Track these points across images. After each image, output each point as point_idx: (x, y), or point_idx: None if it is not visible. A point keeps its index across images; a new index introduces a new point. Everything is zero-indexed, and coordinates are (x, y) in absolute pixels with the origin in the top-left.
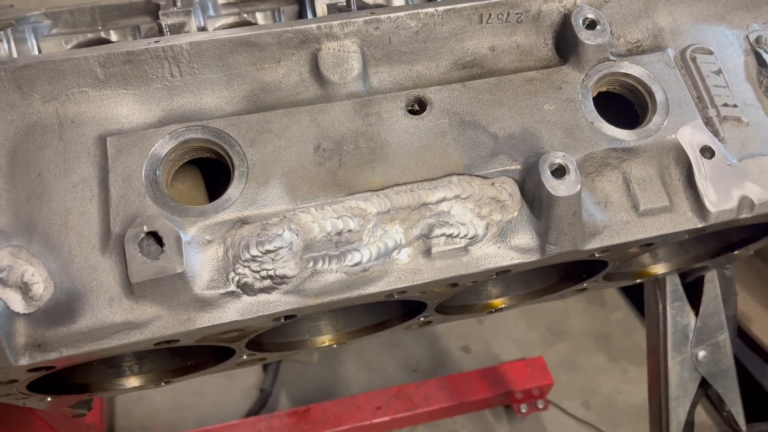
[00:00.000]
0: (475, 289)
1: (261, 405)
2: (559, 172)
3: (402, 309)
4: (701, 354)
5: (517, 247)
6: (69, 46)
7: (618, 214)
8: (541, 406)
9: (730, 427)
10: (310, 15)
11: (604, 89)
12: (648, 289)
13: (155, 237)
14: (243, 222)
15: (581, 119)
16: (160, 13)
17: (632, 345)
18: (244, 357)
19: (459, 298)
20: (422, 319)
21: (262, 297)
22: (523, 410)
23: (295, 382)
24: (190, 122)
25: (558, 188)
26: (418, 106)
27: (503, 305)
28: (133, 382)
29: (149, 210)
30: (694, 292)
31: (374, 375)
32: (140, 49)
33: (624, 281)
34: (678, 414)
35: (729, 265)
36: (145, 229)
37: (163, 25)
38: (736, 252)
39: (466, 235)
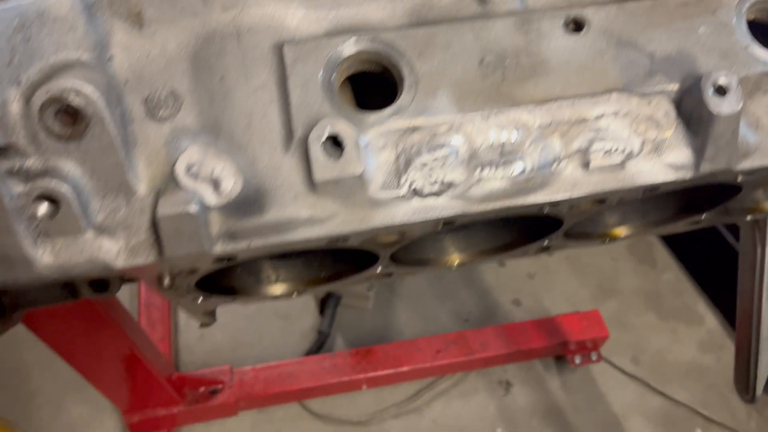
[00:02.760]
0: (593, 218)
1: (319, 346)
2: (722, 90)
3: (526, 232)
4: None
5: (671, 165)
6: None
7: None
8: (594, 359)
9: None
10: None
11: (752, 17)
12: (745, 231)
13: (335, 140)
14: (413, 130)
15: (736, 43)
16: None
17: (682, 306)
18: (379, 270)
19: (578, 225)
20: (546, 243)
21: (430, 201)
22: (577, 361)
23: (350, 327)
24: (360, 33)
25: (721, 106)
26: (575, 26)
27: (621, 234)
28: (272, 290)
29: (328, 114)
30: None
31: (427, 323)
32: None
33: (738, 217)
34: None
35: None
36: (328, 131)
37: None
38: None
39: (623, 151)
